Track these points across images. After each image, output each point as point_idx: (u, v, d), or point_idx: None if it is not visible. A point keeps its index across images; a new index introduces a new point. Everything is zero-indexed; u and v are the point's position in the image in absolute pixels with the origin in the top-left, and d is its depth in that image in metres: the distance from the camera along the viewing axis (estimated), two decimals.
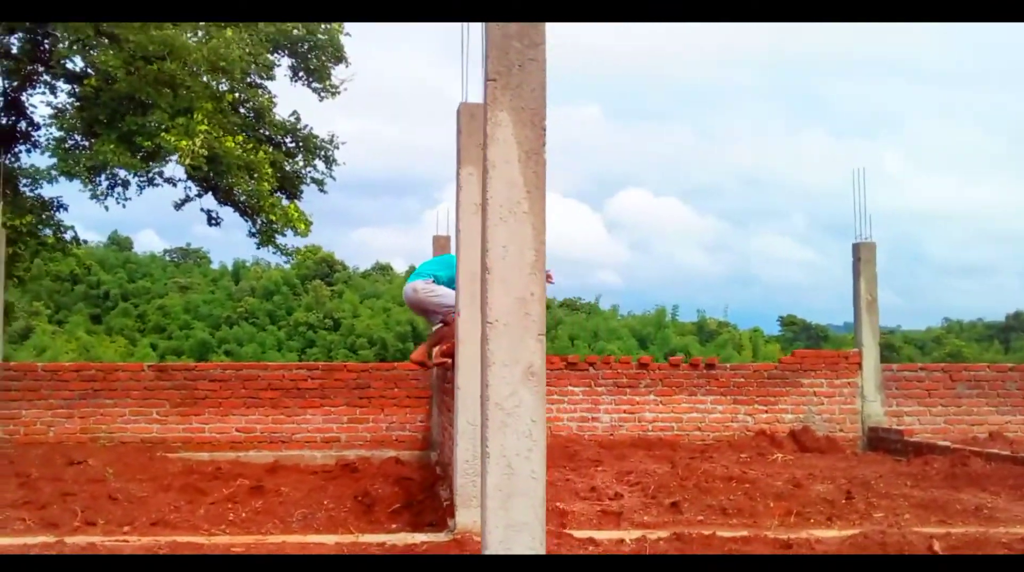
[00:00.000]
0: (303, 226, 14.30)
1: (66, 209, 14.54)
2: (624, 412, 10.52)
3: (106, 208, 14.19)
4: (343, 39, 15.57)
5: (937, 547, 4.89)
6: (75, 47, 12.12)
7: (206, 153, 11.83)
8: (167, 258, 69.78)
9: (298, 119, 15.10)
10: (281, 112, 15.95)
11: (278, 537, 5.23)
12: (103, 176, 13.40)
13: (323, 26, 15.16)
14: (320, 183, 16.59)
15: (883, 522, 5.78)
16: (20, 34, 13.14)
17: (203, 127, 11.86)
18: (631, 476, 7.46)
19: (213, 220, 15.16)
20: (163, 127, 11.83)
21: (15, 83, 14.05)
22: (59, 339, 46.74)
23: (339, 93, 16.31)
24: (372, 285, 64.46)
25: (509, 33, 3.46)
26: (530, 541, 3.36)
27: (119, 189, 13.86)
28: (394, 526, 5.70)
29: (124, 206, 13.65)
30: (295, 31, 14.73)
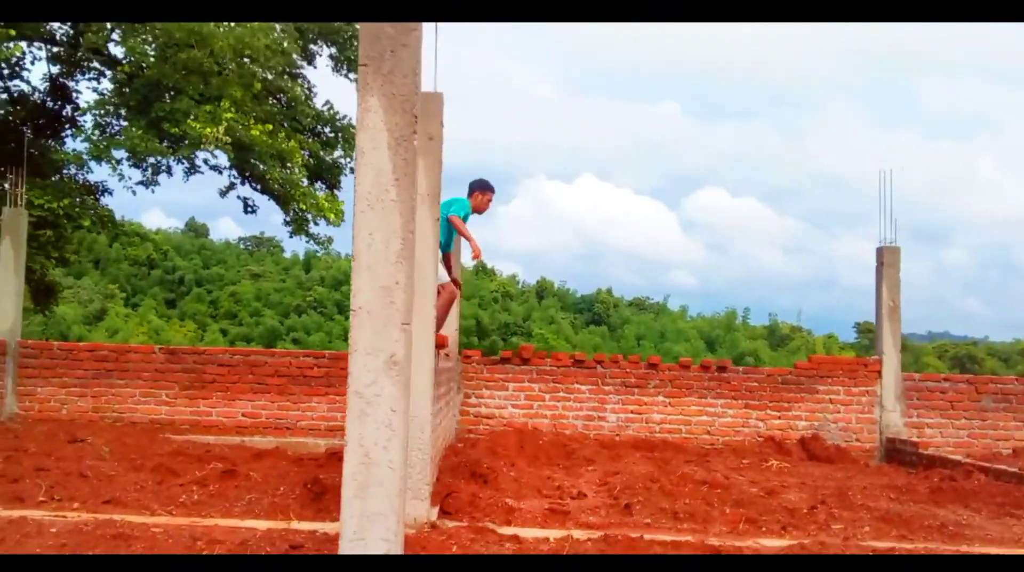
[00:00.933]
0: (333, 216, 14.44)
1: (110, 193, 14.93)
2: (631, 412, 10.36)
3: (152, 192, 14.64)
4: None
5: None
6: (107, 34, 12.42)
7: (229, 140, 12.01)
8: (241, 246, 71.36)
9: (332, 109, 15.23)
10: (322, 102, 16.21)
11: (213, 520, 5.27)
12: (146, 163, 13.75)
13: None
14: None
15: (839, 534, 5.57)
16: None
17: (229, 115, 12.05)
18: (617, 477, 7.34)
19: (249, 208, 15.44)
20: (190, 114, 12.05)
21: (63, 69, 14.51)
22: (131, 322, 48.20)
23: None
24: None
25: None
26: (384, 532, 3.32)
27: (163, 174, 14.23)
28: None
29: (153, 191, 13.97)
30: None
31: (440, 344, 8.05)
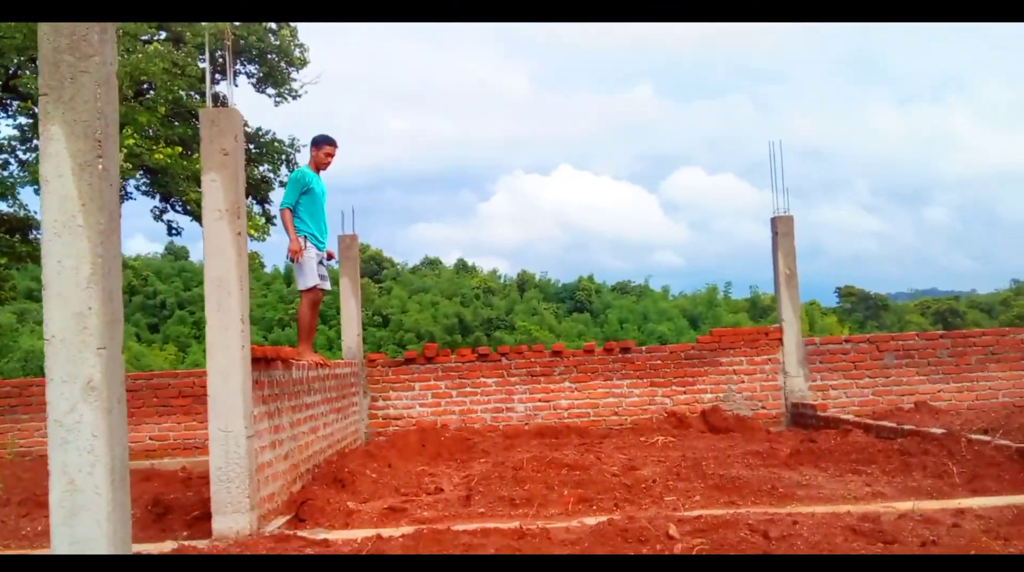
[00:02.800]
0: (254, 231, 14.50)
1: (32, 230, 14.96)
2: (539, 401, 10.44)
3: None
4: (300, 40, 15.80)
5: (673, 531, 4.76)
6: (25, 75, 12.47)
7: (130, 166, 12.07)
8: None
9: (257, 128, 15.33)
10: (250, 123, 16.30)
11: (43, 550, 5.34)
12: None
13: (269, 31, 15.36)
14: (284, 184, 16.83)
15: (668, 505, 5.65)
16: None
17: (130, 141, 12.09)
18: (502, 466, 7.39)
19: (174, 230, 15.49)
20: None
21: None
22: None
23: (299, 96, 16.52)
24: (420, 280, 64.99)
25: (60, 47, 3.44)
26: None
27: None
28: (185, 533, 5.76)
29: None
30: (243, 37, 14.93)
31: (318, 361, 8.04)
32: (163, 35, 14.58)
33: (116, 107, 3.63)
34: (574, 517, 5.50)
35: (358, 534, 5.15)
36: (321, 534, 5.22)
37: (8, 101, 14.42)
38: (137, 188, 15.15)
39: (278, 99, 15.98)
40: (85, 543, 3.37)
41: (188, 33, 13.64)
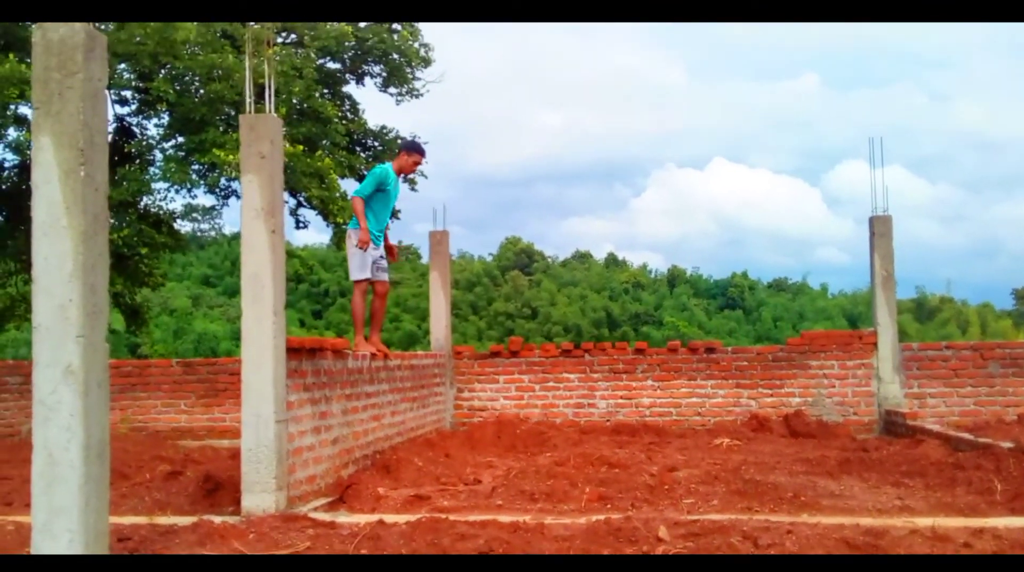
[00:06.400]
0: None
1: (176, 220, 16.13)
2: (621, 398, 10.46)
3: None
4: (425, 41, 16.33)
5: (663, 533, 4.78)
6: (132, 75, 13.45)
7: None
8: None
9: (382, 127, 16.07)
10: (373, 120, 17.00)
11: None
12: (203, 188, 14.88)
13: (392, 31, 15.92)
14: (412, 182, 17.44)
15: (685, 508, 5.64)
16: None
17: None
18: (549, 461, 7.53)
19: (301, 224, 16.31)
20: (216, 143, 12.91)
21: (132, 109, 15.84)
22: None
23: (421, 95, 17.04)
24: (570, 273, 65.25)
25: (49, 66, 3.84)
26: (68, 523, 3.74)
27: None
28: (231, 509, 6.18)
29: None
30: (367, 39, 15.54)
31: (381, 353, 8.28)
32: (291, 37, 15.39)
33: (104, 119, 4.00)
34: (587, 514, 5.56)
35: (365, 519, 5.40)
36: (337, 516, 5.51)
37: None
38: None
39: (399, 98, 16.54)
40: (59, 511, 3.75)
41: (307, 36, 14.34)
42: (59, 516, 3.76)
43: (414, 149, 8.61)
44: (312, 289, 66.33)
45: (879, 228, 10.11)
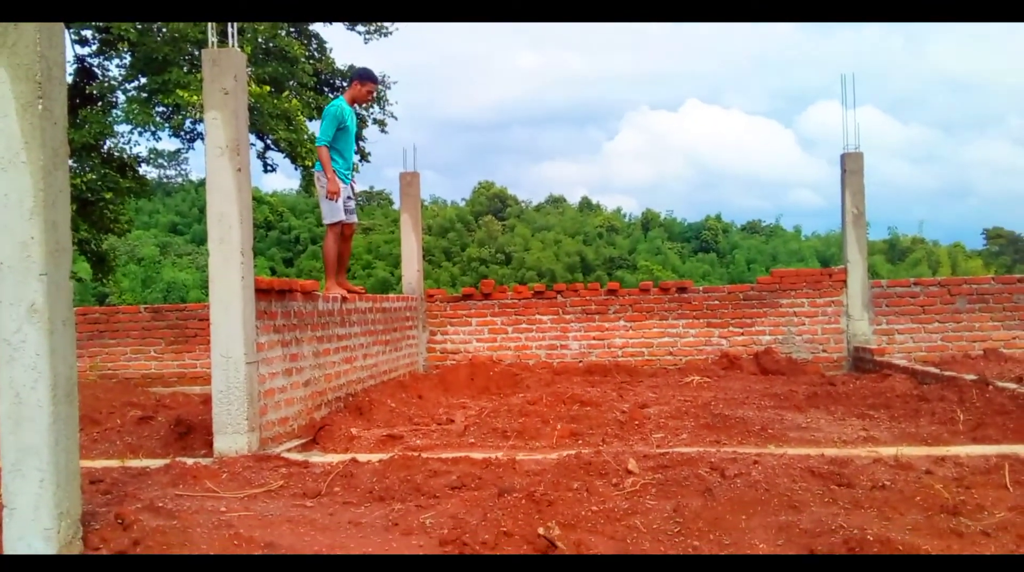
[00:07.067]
0: None
1: (140, 164, 15.91)
2: (593, 339, 10.52)
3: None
4: None
5: (633, 466, 4.84)
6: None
7: None
8: None
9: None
10: (341, 60, 16.73)
11: None
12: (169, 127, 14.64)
13: None
14: (382, 123, 17.25)
15: (655, 442, 5.71)
16: None
17: None
18: (521, 401, 7.58)
19: (269, 167, 16.13)
20: (180, 83, 12.68)
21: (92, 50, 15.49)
22: None
23: (390, 33, 16.78)
24: (544, 218, 65.17)
25: None
26: (37, 463, 3.71)
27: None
28: (203, 451, 6.18)
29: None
30: None
31: (350, 292, 8.22)
32: None
33: (62, 51, 3.88)
34: (557, 450, 5.63)
35: (338, 458, 5.43)
36: (310, 456, 5.53)
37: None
38: None
39: (368, 37, 16.28)
40: (28, 450, 3.72)
41: None
42: (29, 456, 3.73)
43: (367, 77, 8.45)
44: (283, 236, 65.94)
45: (850, 165, 10.14)
